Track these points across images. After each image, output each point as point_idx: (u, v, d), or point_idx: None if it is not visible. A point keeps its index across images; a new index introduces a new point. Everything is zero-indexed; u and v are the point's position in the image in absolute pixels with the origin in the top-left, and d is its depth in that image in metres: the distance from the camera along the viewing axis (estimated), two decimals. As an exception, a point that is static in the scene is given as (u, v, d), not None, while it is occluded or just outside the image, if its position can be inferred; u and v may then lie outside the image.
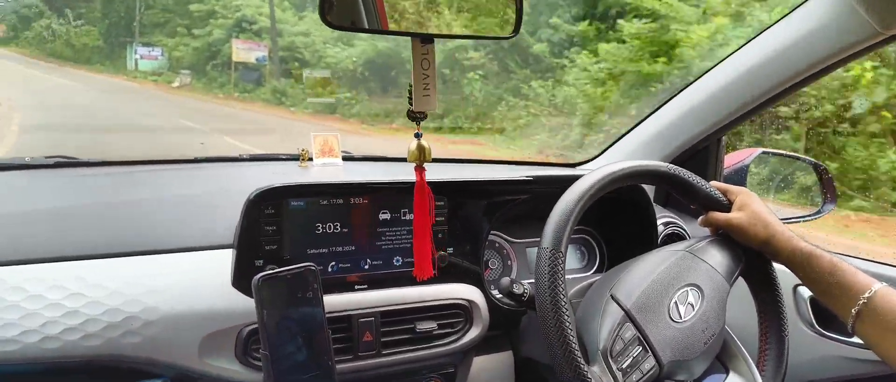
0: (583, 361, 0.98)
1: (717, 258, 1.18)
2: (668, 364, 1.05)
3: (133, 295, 1.06)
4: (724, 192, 1.23)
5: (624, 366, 1.02)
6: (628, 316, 1.06)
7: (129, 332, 1.05)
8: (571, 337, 0.99)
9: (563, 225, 1.05)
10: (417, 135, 1.06)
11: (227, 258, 1.16)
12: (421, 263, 1.14)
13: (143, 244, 1.14)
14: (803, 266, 1.12)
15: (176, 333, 1.07)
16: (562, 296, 1.01)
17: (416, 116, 1.03)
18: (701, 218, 1.25)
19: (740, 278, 1.21)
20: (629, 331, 1.05)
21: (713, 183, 1.24)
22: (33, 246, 1.09)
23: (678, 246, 1.21)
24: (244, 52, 18.32)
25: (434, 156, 1.09)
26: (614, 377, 1.01)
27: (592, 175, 1.12)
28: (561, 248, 1.03)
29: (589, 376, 0.97)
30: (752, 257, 1.20)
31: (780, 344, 1.19)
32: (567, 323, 0.99)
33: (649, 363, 1.04)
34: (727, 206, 1.21)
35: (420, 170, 1.08)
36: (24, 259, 1.06)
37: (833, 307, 1.12)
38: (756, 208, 1.17)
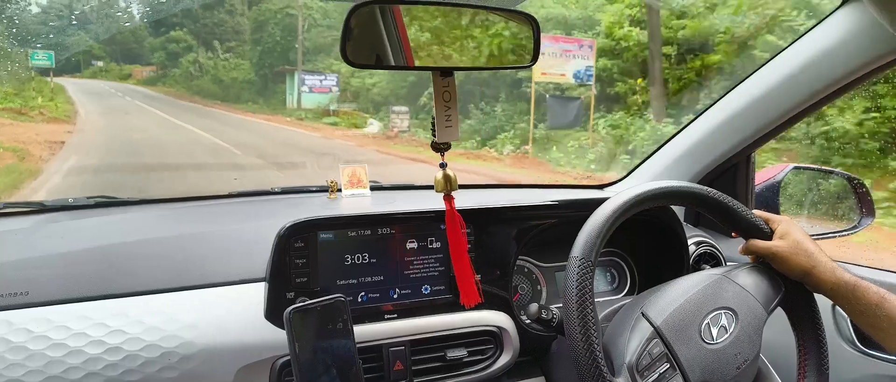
0: (607, 371, 0.98)
1: (755, 285, 1.15)
2: None
3: (171, 330, 1.10)
4: (766, 220, 1.20)
5: (650, 381, 1.02)
6: (658, 333, 1.06)
7: (167, 367, 1.08)
8: (597, 347, 0.98)
9: (594, 236, 1.05)
10: (442, 165, 1.08)
11: (260, 291, 1.18)
12: (466, 290, 1.15)
13: (180, 279, 1.18)
14: (848, 298, 1.09)
15: (212, 366, 1.10)
16: (589, 305, 1.00)
17: (439, 147, 1.05)
18: (741, 246, 1.22)
19: (779, 308, 1.17)
20: (658, 348, 1.04)
21: (755, 211, 1.21)
22: (77, 285, 1.13)
23: (715, 271, 1.19)
24: (558, 62, 8.32)
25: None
26: None
27: (629, 191, 1.12)
28: (591, 258, 1.03)
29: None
30: (793, 287, 1.17)
31: (820, 378, 1.15)
32: (593, 333, 0.99)
33: (677, 381, 1.03)
34: (768, 234, 1.18)
35: (449, 199, 1.10)
36: (67, 298, 1.10)
37: (881, 340, 1.08)
38: (798, 237, 1.14)
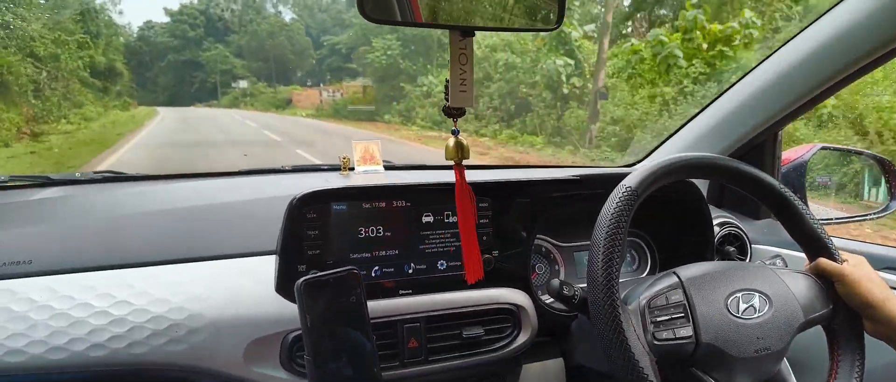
0: (619, 298, 0.94)
1: (801, 291, 1.06)
2: (706, 346, 0.97)
3: (178, 302, 1.06)
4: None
5: (658, 320, 0.97)
6: (681, 284, 1.01)
7: (174, 340, 1.04)
8: (615, 273, 0.94)
9: (651, 173, 1.01)
10: (455, 132, 1.02)
11: (271, 264, 1.14)
12: (471, 266, 1.09)
13: (189, 251, 1.14)
14: None
15: (221, 340, 1.06)
16: (620, 235, 0.95)
17: (452, 113, 0.99)
18: (810, 265, 1.12)
19: (821, 327, 1.08)
20: (677, 296, 1.00)
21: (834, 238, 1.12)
22: (82, 255, 1.09)
23: (761, 263, 1.12)
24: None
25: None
26: (645, 324, 0.97)
27: (708, 155, 1.07)
28: (639, 191, 0.99)
29: (619, 308, 0.93)
30: (846, 314, 1.07)
31: None
32: (616, 259, 0.94)
33: (686, 331, 0.97)
34: (838, 257, 1.09)
35: (459, 168, 1.03)
36: (72, 268, 1.06)
37: None
38: (869, 270, 1.06)
